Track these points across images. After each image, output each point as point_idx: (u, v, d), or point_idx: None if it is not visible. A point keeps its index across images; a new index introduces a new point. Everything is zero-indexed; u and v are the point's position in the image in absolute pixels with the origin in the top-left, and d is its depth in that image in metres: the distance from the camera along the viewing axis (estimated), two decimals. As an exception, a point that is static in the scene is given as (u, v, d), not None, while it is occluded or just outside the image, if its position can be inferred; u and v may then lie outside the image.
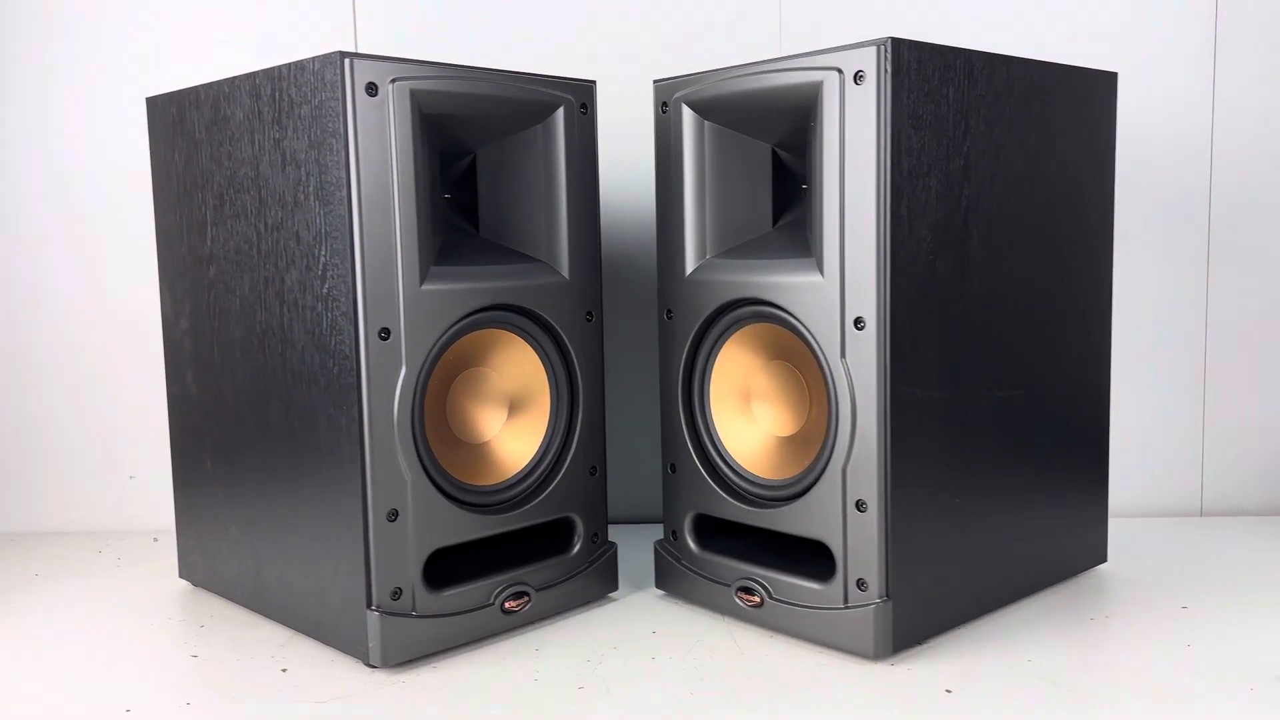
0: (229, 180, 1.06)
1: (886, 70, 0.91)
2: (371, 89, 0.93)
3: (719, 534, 1.13)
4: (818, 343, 0.98)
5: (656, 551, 1.16)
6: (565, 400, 1.10)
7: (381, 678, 0.97)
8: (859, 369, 0.95)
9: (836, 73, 0.94)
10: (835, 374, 0.97)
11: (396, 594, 0.98)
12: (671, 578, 1.14)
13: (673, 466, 1.13)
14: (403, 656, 0.98)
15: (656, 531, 1.20)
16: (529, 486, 1.09)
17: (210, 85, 1.07)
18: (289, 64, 0.97)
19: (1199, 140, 1.40)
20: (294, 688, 0.95)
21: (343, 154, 0.93)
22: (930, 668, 0.96)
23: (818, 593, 1.00)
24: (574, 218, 1.08)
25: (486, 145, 1.07)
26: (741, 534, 1.12)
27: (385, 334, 0.95)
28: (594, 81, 1.10)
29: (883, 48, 0.91)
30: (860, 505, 0.97)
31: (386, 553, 0.97)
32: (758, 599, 1.04)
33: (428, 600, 1.00)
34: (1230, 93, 1.40)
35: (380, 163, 0.94)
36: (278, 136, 0.99)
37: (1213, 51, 1.39)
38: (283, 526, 1.05)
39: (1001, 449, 1.05)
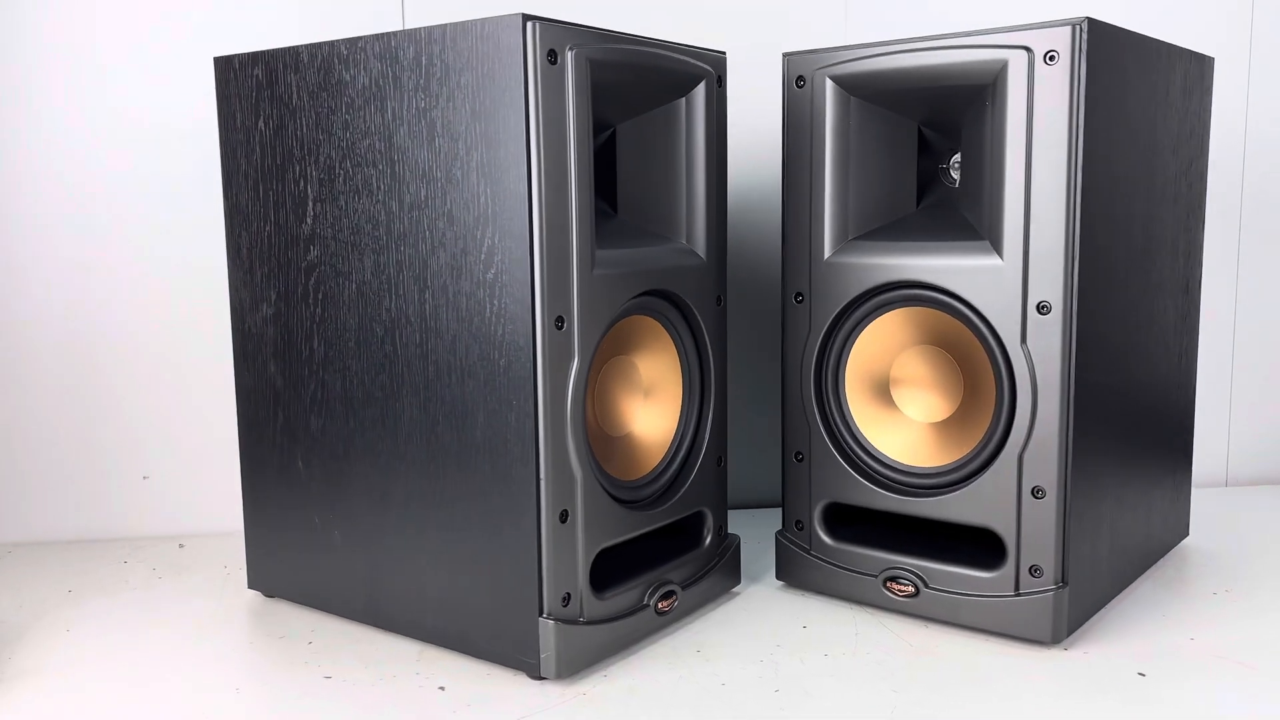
0: (345, 152, 0.96)
1: (1081, 50, 0.90)
2: (552, 56, 0.85)
3: (847, 523, 1.10)
4: (994, 328, 0.96)
5: (779, 542, 1.12)
6: (696, 389, 1.05)
7: (556, 690, 0.90)
8: (1041, 354, 0.94)
9: (1024, 51, 0.92)
10: (1014, 360, 0.95)
11: (566, 600, 0.91)
12: (797, 569, 1.11)
13: (799, 454, 1.09)
14: (577, 667, 0.92)
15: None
16: (668, 480, 1.04)
17: (318, 46, 0.96)
18: (443, 25, 0.88)
19: (1234, 129, 1.45)
20: (467, 708, 0.87)
21: (521, 127, 0.85)
22: (1106, 649, 0.96)
23: (984, 580, 0.99)
24: (710, 197, 1.03)
25: (628, 120, 1.01)
26: (872, 522, 1.10)
27: (560, 323, 0.88)
28: (724, 52, 1.04)
29: (1078, 27, 0.90)
30: (1037, 492, 0.96)
31: (558, 556, 0.90)
32: (911, 589, 1.02)
33: (594, 605, 0.93)
34: (1266, 84, 1.45)
35: (558, 139, 0.87)
36: (423, 105, 0.90)
37: (1248, 43, 1.44)
38: (414, 532, 0.97)
39: (1128, 429, 1.06)
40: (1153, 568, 1.17)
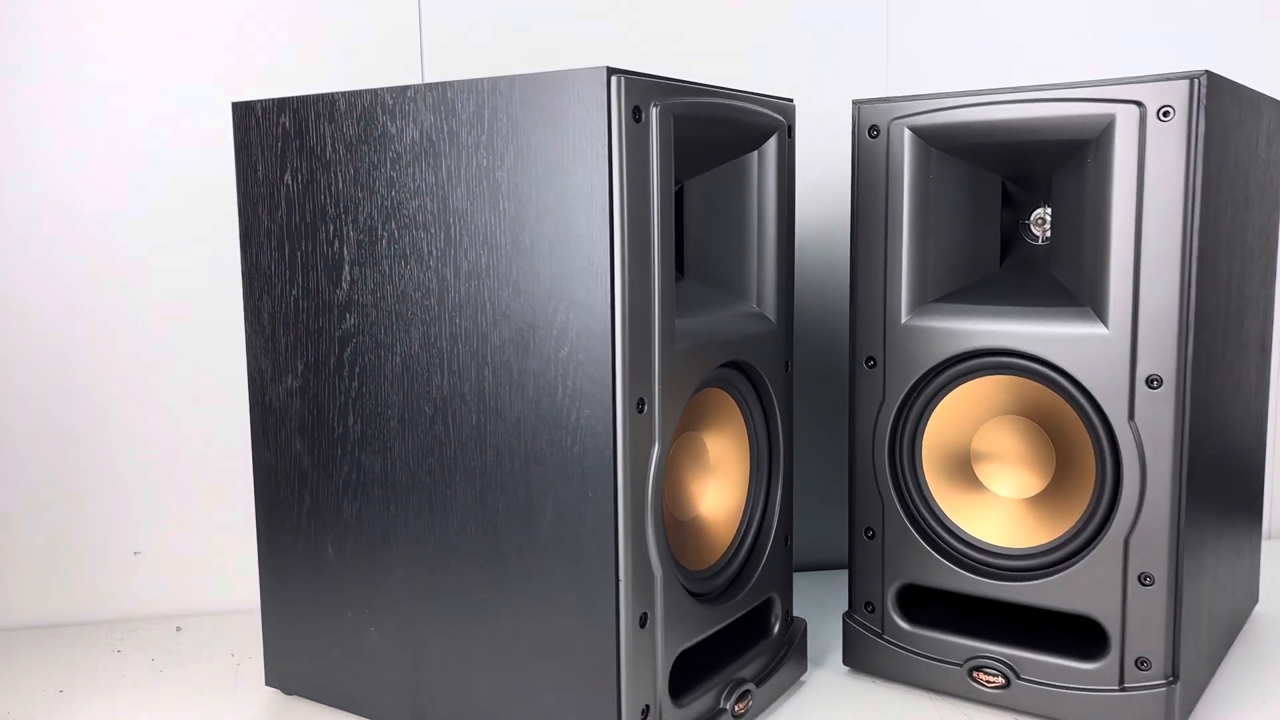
0: (389, 212, 0.86)
1: (1200, 105, 0.83)
2: (636, 113, 0.77)
3: (924, 605, 1.02)
4: (1096, 401, 0.89)
5: (847, 625, 1.04)
6: (764, 463, 0.97)
7: (637, 815, 0.81)
8: (1151, 431, 0.87)
9: (1135, 106, 0.85)
10: (1120, 436, 0.88)
11: (645, 712, 0.82)
12: (868, 654, 1.03)
13: (869, 531, 1.01)
14: (659, 787, 0.83)
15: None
16: (737, 566, 0.95)
17: (357, 94, 0.87)
18: (509, 77, 0.79)
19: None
20: (542, 839, 0.78)
21: (601, 191, 0.76)
22: (1219, 749, 0.89)
23: (1084, 672, 0.92)
24: (780, 257, 0.95)
25: (697, 175, 0.92)
26: (951, 605, 1.03)
27: (641, 405, 0.80)
28: (793, 101, 0.96)
29: (1197, 81, 0.83)
30: (1145, 579, 0.89)
31: (638, 664, 0.81)
32: (1001, 680, 0.95)
33: (673, 715, 0.85)
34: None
35: (641, 203, 0.78)
36: (486, 163, 0.81)
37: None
38: (467, 632, 0.87)
39: (1220, 501, 1.00)
40: (1235, 642, 1.10)
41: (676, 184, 0.93)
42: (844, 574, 1.30)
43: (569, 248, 0.78)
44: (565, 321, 0.79)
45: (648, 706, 0.82)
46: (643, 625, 0.81)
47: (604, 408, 0.78)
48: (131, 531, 1.21)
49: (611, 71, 0.75)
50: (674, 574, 0.84)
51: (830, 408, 1.32)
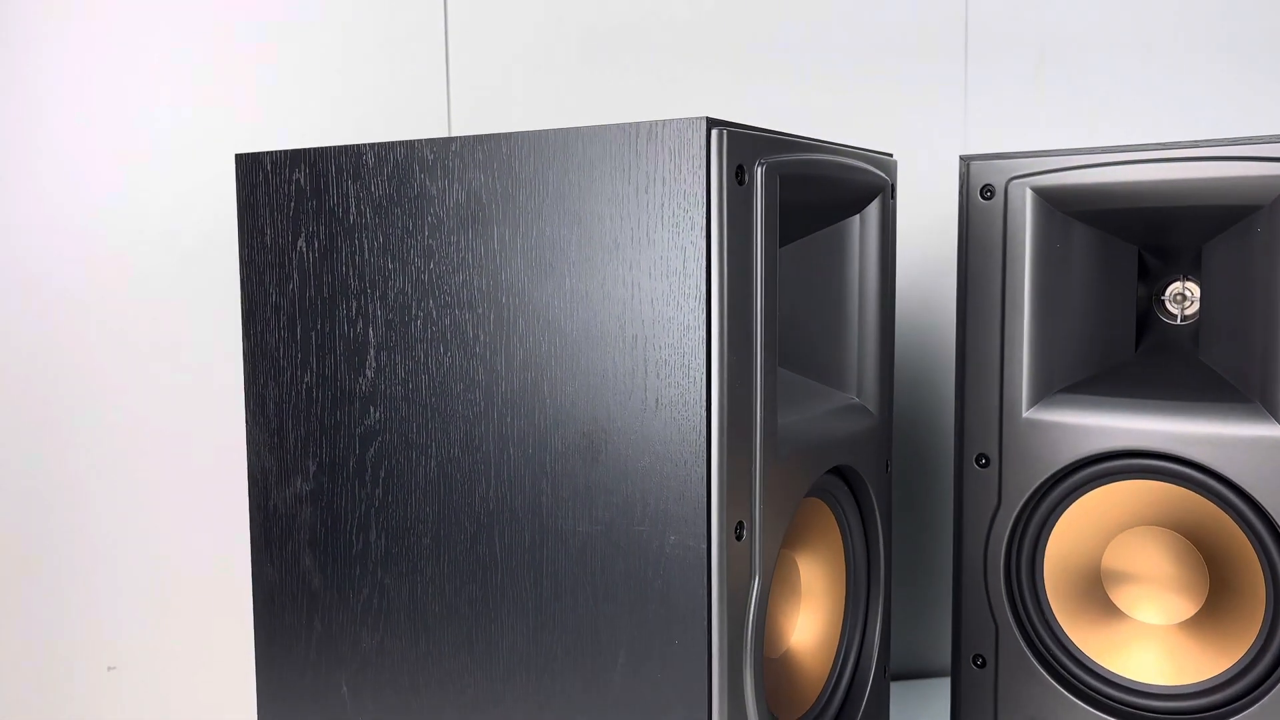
0: (426, 288, 0.72)
1: (1401, 166, 0.69)
2: (740, 174, 0.62)
3: (1042, 745, 0.87)
4: (1268, 514, 0.74)
5: (951, 769, 0.88)
6: (863, 582, 0.82)
7: None
8: (1340, 553, 0.72)
9: (1319, 166, 0.71)
10: (1301, 558, 0.73)
11: None
12: (977, 804, 0.87)
13: (979, 659, 0.86)
14: None
15: None
16: (835, 711, 0.80)
17: (388, 147, 0.72)
18: (575, 129, 0.65)
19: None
20: None
21: (697, 269, 0.62)
22: None
23: (1254, 842, 0.76)
24: (882, 337, 0.80)
25: (790, 243, 0.78)
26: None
27: (740, 531, 0.65)
28: (893, 156, 0.83)
29: (1398, 137, 0.69)
30: (1333, 731, 0.73)
31: None
32: (1148, 845, 0.79)
33: None
34: None
35: (743, 282, 0.64)
36: (550, 232, 0.67)
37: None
38: (516, 800, 0.71)
39: None
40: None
41: (766, 254, 0.79)
42: (933, 685, 1.14)
43: (653, 335, 0.63)
44: (646, 426, 0.64)
45: None
46: (740, 802, 0.66)
47: (696, 534, 0.63)
48: (106, 644, 1.05)
49: (712, 124, 0.61)
50: (774, 733, 0.69)
51: (928, 512, 1.17)
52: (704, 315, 0.62)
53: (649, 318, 0.63)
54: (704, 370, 0.62)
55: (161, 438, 1.04)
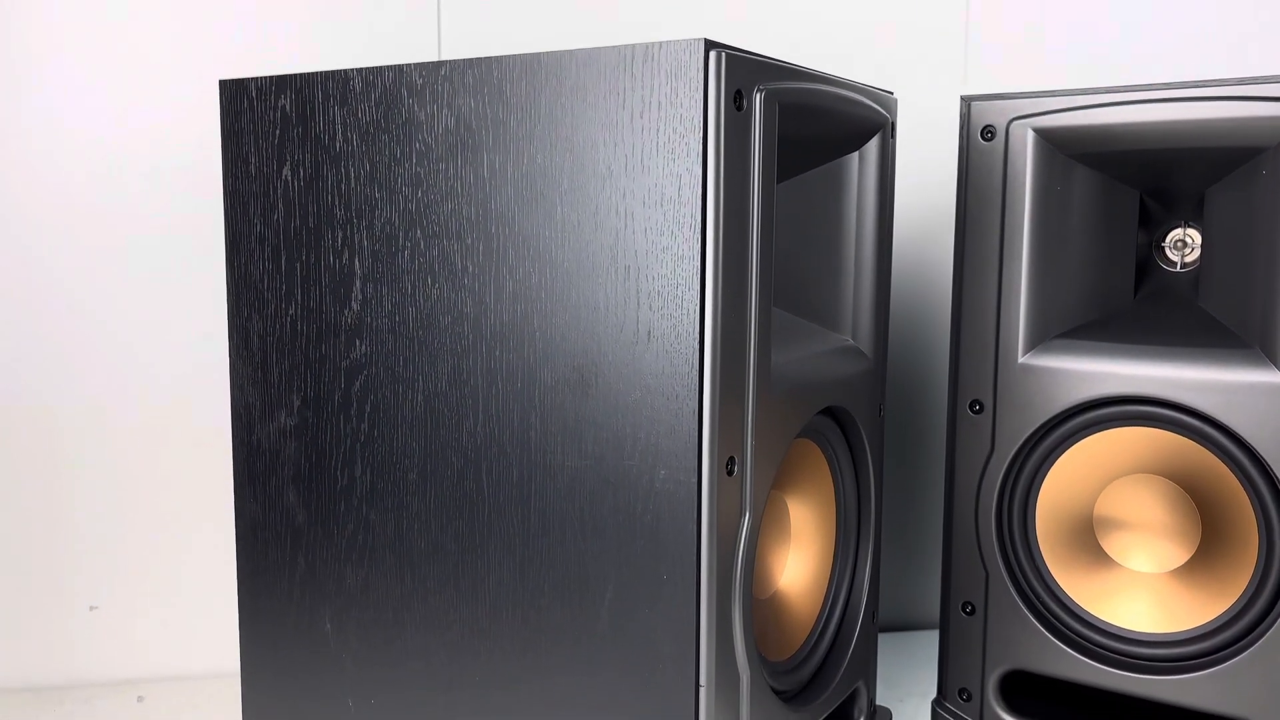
0: (413, 218, 0.70)
1: None
2: (738, 99, 0.61)
3: (1028, 695, 0.87)
4: (1263, 461, 0.74)
5: (936, 715, 0.88)
6: (853, 526, 0.81)
7: None
8: (1336, 502, 0.72)
9: (1329, 107, 0.70)
10: (1296, 506, 0.73)
11: (725, 847, 0.66)
12: (963, 751, 0.87)
13: (968, 606, 0.85)
14: None
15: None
16: (823, 653, 0.79)
17: (377, 71, 0.70)
18: (569, 51, 0.63)
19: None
20: None
21: (692, 198, 0.60)
22: None
23: (1240, 789, 0.76)
24: (878, 280, 0.79)
25: (787, 180, 0.77)
26: (1063, 697, 0.87)
27: (731, 466, 0.63)
28: (894, 94, 0.81)
29: None
30: (1323, 679, 0.73)
31: (719, 790, 0.65)
32: (1132, 791, 0.79)
33: (756, 847, 0.68)
34: None
35: (739, 214, 0.62)
36: (542, 160, 0.65)
37: None
38: (500, 737, 0.71)
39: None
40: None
41: (762, 190, 0.77)
42: (921, 636, 1.14)
43: (646, 266, 0.62)
44: (638, 359, 0.63)
45: (728, 840, 0.66)
46: (726, 740, 0.65)
47: (686, 468, 0.62)
48: (86, 583, 1.04)
49: (710, 45, 0.59)
50: (761, 674, 0.68)
51: (920, 458, 1.16)
52: (699, 245, 0.60)
53: (642, 248, 0.62)
54: (698, 302, 0.61)
55: (142, 373, 1.02)
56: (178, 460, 1.04)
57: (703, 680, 0.63)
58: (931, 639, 1.12)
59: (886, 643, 1.13)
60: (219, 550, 1.04)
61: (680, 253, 0.61)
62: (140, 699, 1.01)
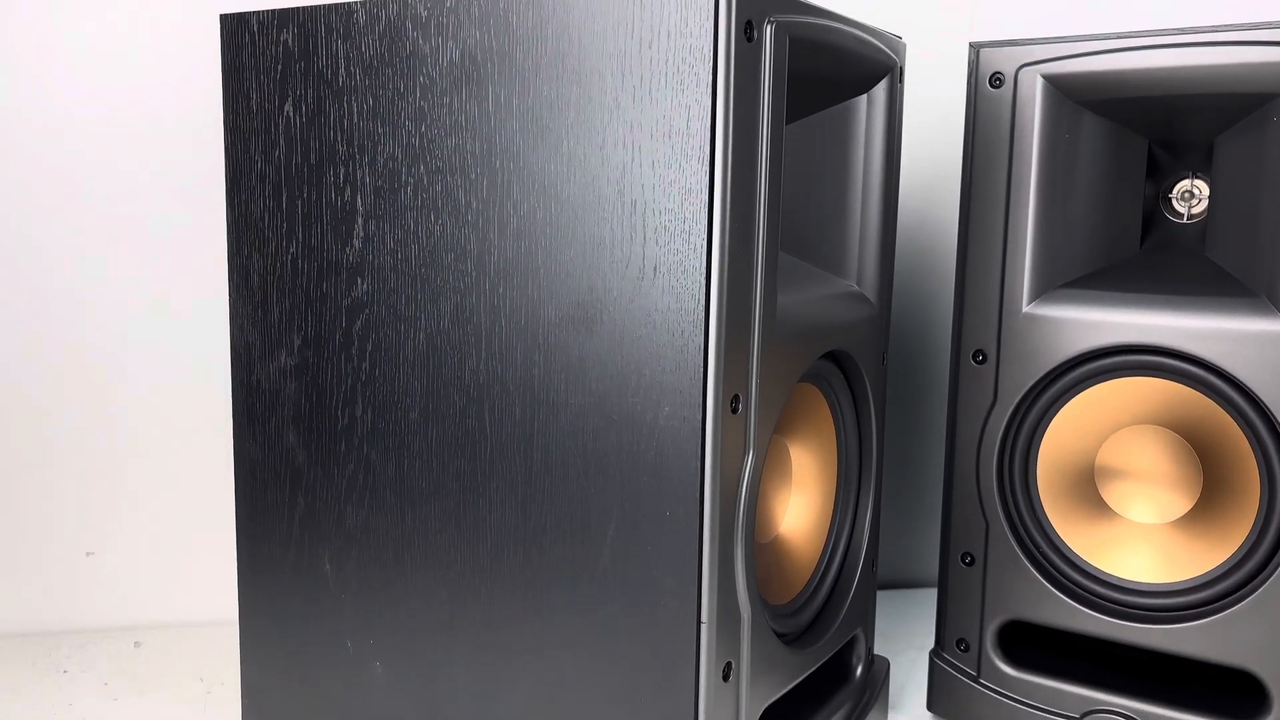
0: (417, 153, 0.69)
1: None
2: (749, 31, 0.60)
3: (1028, 646, 0.87)
4: (1267, 411, 0.73)
5: (934, 665, 0.88)
6: (854, 473, 0.81)
7: None
8: (1340, 450, 0.72)
9: (1343, 52, 0.69)
10: (1298, 455, 0.73)
11: (724, 785, 0.66)
12: (959, 700, 0.87)
13: (967, 557, 0.85)
14: None
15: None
16: (822, 599, 0.79)
17: (382, 3, 0.69)
18: (583, -20, 0.62)
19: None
20: None
21: (701, 129, 0.60)
22: (1401, 835, 0.74)
23: (1236, 737, 0.76)
24: (884, 226, 0.78)
25: (793, 121, 0.76)
26: (1060, 648, 0.87)
27: (736, 404, 0.63)
28: (902, 38, 0.80)
29: None
30: (1321, 628, 0.73)
31: (718, 728, 0.65)
32: (1129, 739, 0.79)
33: (755, 786, 0.68)
34: None
35: (747, 150, 0.62)
36: (549, 93, 0.64)
37: None
38: (498, 676, 0.71)
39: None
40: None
41: (768, 132, 0.76)
42: (918, 594, 1.14)
43: (653, 200, 0.61)
44: (643, 295, 0.62)
45: (727, 778, 0.66)
46: (726, 678, 0.65)
47: (691, 405, 0.62)
48: (83, 529, 1.04)
49: (718, -26, 0.58)
50: (762, 614, 0.68)
51: (921, 409, 1.16)
52: (707, 177, 0.60)
53: (649, 181, 0.61)
54: (704, 236, 0.60)
55: (141, 312, 1.02)
56: (175, 403, 1.03)
57: (704, 616, 0.63)
58: (929, 597, 1.13)
59: (885, 599, 1.14)
60: (217, 496, 1.03)
61: (688, 185, 0.60)
62: (137, 644, 1.01)
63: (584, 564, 0.66)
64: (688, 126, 0.60)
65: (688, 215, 0.60)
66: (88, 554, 1.04)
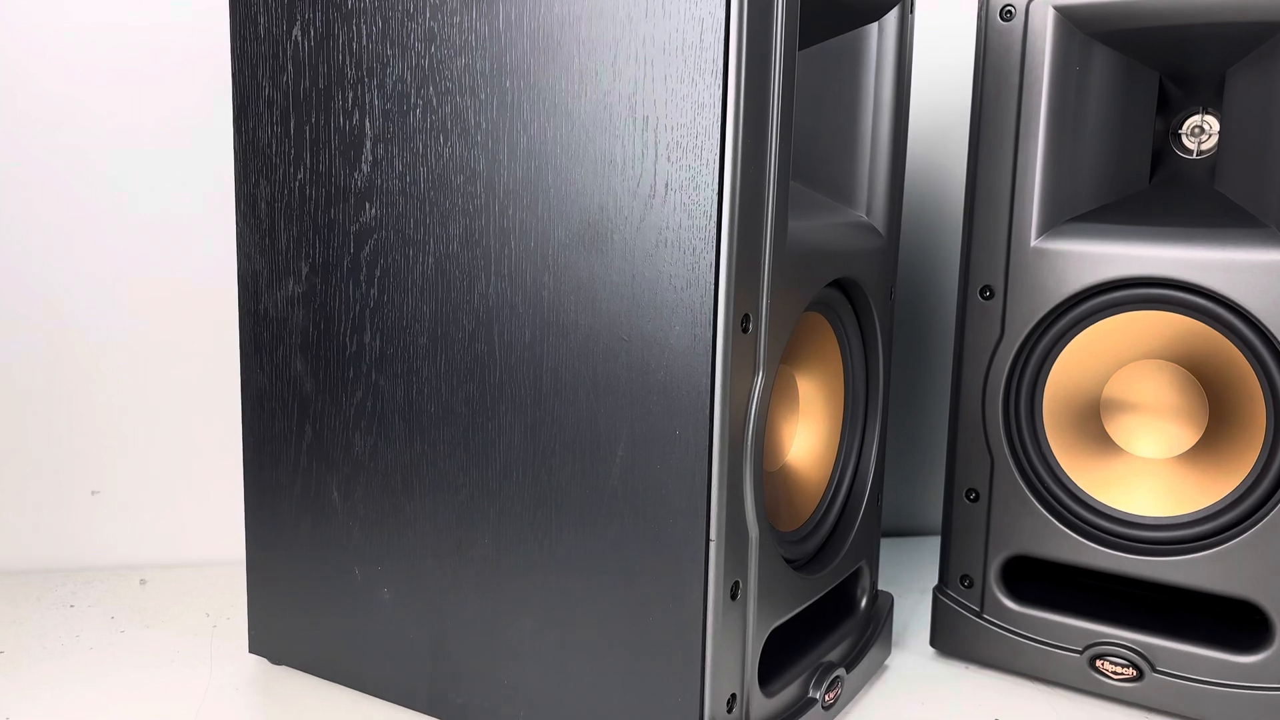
0: (426, 75, 0.69)
1: None
2: (762, -57, 0.60)
3: (1032, 581, 0.87)
4: (1277, 341, 0.73)
5: (938, 601, 0.89)
6: (860, 405, 0.81)
7: (719, 831, 0.65)
8: (1347, 381, 0.72)
9: (1357, -21, 0.69)
10: (1307, 386, 0.73)
11: (731, 703, 0.66)
12: (963, 636, 0.88)
13: (972, 493, 0.86)
14: (746, 796, 0.67)
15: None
16: (829, 528, 0.79)
17: (392, -76, 0.69)
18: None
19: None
20: None
21: (715, 44, 0.59)
22: (1401, 763, 0.75)
23: (1238, 667, 0.77)
24: (894, 158, 0.78)
25: (804, 49, 0.75)
26: (1065, 582, 0.88)
27: (746, 324, 0.63)
28: (913, -30, 0.80)
29: None
30: (1325, 558, 0.74)
31: (725, 645, 0.65)
32: (1131, 671, 0.80)
33: (761, 705, 0.69)
34: None
35: (760, 72, 0.61)
36: (560, 11, 0.64)
37: None
38: (506, 600, 0.71)
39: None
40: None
41: (779, 59, 0.76)
42: (917, 543, 1.15)
43: (665, 115, 0.61)
44: (655, 213, 0.62)
45: (734, 696, 0.66)
46: (734, 597, 0.65)
47: (702, 323, 0.62)
48: (88, 466, 1.04)
49: (736, -116, 0.58)
50: (770, 536, 0.68)
51: (926, 345, 1.16)
52: (719, 91, 0.59)
53: (661, 96, 0.61)
54: (717, 152, 0.60)
55: (146, 247, 1.01)
56: (181, 337, 1.03)
57: (713, 535, 0.63)
58: (934, 545, 1.13)
59: (890, 545, 1.14)
60: (223, 433, 1.04)
61: (701, 100, 0.60)
62: (143, 582, 1.01)
63: (593, 484, 0.66)
64: (701, 39, 0.59)
65: (700, 130, 0.60)
66: (93, 493, 1.04)
